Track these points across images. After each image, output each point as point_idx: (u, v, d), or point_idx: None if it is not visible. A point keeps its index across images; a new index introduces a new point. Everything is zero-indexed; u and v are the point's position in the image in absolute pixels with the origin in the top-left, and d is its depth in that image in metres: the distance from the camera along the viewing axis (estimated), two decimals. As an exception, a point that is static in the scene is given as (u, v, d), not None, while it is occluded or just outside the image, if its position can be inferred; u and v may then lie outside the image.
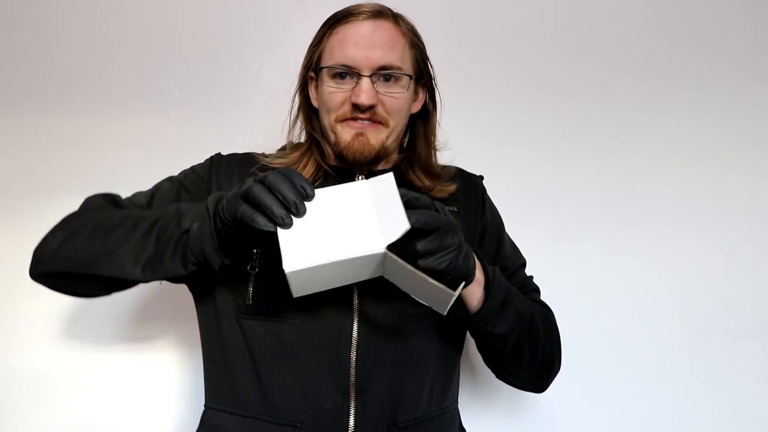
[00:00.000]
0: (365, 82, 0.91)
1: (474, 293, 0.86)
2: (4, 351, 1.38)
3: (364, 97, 0.91)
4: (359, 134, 0.94)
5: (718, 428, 1.45)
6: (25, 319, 1.38)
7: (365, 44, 0.91)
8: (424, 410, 0.94)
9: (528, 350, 0.92)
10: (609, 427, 1.45)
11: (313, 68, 0.98)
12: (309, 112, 1.02)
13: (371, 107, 0.92)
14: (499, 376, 1.01)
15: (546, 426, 1.45)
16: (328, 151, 1.01)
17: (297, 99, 1.03)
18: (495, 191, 1.09)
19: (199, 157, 1.05)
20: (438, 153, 1.07)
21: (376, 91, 0.92)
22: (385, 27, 0.93)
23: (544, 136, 1.47)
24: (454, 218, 0.89)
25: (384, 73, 0.92)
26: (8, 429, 1.36)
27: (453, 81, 1.45)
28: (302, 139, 1.05)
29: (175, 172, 1.04)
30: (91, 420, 1.37)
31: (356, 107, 0.92)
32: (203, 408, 0.97)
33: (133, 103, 1.42)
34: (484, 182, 1.11)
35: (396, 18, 0.95)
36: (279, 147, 1.08)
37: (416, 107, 1.01)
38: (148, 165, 1.41)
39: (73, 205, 1.39)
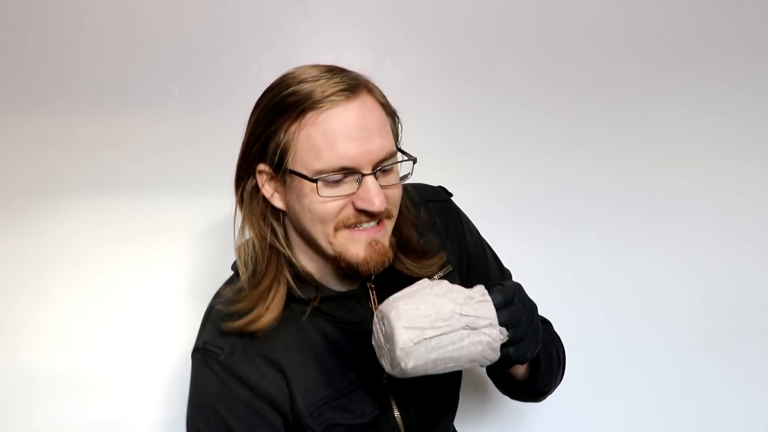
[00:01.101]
0: (371, 182, 0.73)
1: (520, 369, 0.87)
2: (4, 351, 1.37)
3: (379, 203, 0.72)
4: (372, 242, 0.77)
5: (719, 428, 1.45)
6: (26, 320, 1.38)
7: (360, 135, 0.72)
8: None
9: (552, 387, 0.95)
10: (608, 427, 1.45)
11: (270, 163, 0.76)
12: (268, 216, 0.80)
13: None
14: (505, 393, 1.04)
15: (546, 426, 1.46)
16: (307, 268, 0.82)
17: (237, 203, 0.81)
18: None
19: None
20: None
21: (381, 188, 0.74)
22: (369, 105, 0.74)
23: (545, 134, 1.47)
24: (446, 257, 0.89)
25: (384, 167, 0.75)
26: (8, 429, 1.36)
27: (453, 78, 1.46)
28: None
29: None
30: (92, 420, 1.37)
31: (365, 213, 0.75)
32: None
33: (133, 103, 1.42)
34: (454, 197, 1.00)
35: (366, 83, 0.76)
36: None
37: None
38: (148, 165, 1.42)
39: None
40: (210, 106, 1.42)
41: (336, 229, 0.76)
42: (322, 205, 0.74)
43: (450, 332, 0.66)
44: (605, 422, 1.45)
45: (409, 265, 0.84)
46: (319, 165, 0.72)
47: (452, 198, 0.98)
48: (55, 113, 1.42)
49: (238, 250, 0.82)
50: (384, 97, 0.79)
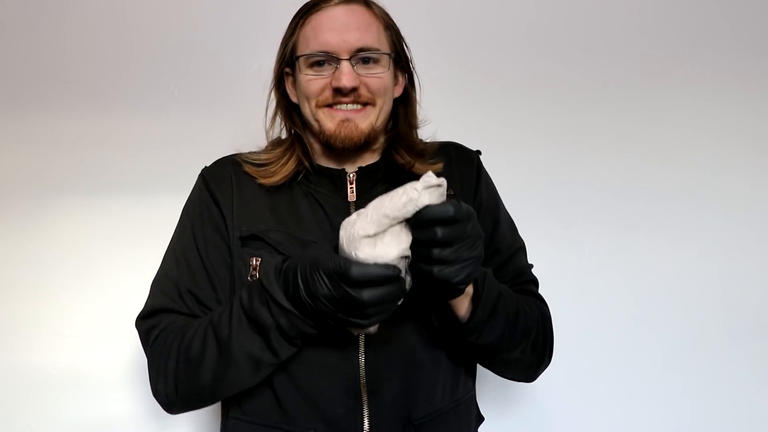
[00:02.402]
0: (345, 65, 0.88)
1: (462, 303, 0.83)
2: (5, 351, 1.37)
3: (346, 80, 0.87)
4: (345, 120, 0.90)
5: (719, 428, 1.45)
6: (26, 320, 1.38)
7: (340, 28, 0.88)
8: (438, 405, 0.93)
9: (517, 353, 0.91)
10: (609, 427, 1.44)
11: (288, 61, 0.95)
12: (288, 109, 0.98)
13: (354, 90, 0.89)
14: (492, 371, 0.99)
15: (546, 426, 1.45)
16: (314, 147, 0.98)
17: (273, 96, 0.99)
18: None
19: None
20: (430, 128, 1.05)
21: (357, 74, 0.89)
22: (357, 11, 0.90)
23: (543, 137, 1.47)
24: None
25: (363, 56, 0.89)
26: (8, 429, 1.36)
27: (450, 83, 1.46)
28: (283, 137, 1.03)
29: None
30: (90, 418, 1.37)
31: (338, 91, 0.89)
32: (221, 415, 0.98)
33: (133, 104, 1.42)
34: (482, 157, 1.07)
35: (367, 2, 0.93)
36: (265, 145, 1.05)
37: (398, 91, 0.98)
38: (148, 165, 1.42)
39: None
40: (209, 104, 1.42)
41: (317, 106, 0.92)
42: (306, 83, 0.91)
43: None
44: (606, 421, 1.45)
45: (404, 156, 0.98)
46: (306, 50, 0.91)
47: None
48: (55, 114, 1.42)
49: (270, 136, 1.01)
50: (385, 14, 0.95)
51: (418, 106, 1.00)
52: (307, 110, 0.93)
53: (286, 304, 0.77)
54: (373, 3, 0.94)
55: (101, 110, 1.42)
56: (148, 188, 1.40)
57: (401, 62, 0.97)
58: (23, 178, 1.41)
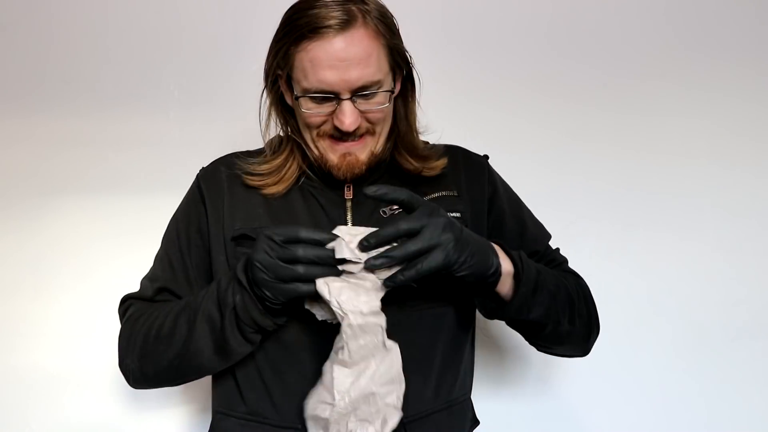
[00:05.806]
0: (346, 105, 0.86)
1: (504, 283, 0.86)
2: (5, 351, 1.38)
3: (348, 123, 0.86)
4: (346, 154, 0.91)
5: (718, 428, 1.45)
6: (26, 320, 1.38)
7: (340, 66, 0.84)
8: (430, 404, 0.93)
9: (566, 324, 0.93)
10: (609, 428, 1.45)
11: (281, 69, 0.90)
12: (283, 111, 0.97)
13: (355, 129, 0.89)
14: (541, 350, 1.03)
15: (546, 427, 1.45)
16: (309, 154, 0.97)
17: (267, 98, 0.96)
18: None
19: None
20: (427, 136, 1.05)
21: (359, 110, 0.88)
22: (356, 38, 0.84)
23: (543, 137, 1.47)
24: (454, 203, 0.95)
25: (364, 94, 0.87)
26: (8, 429, 1.37)
27: (451, 83, 1.46)
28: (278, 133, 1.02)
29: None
30: (90, 418, 1.37)
31: (339, 130, 0.89)
32: (211, 412, 0.99)
33: (133, 104, 1.43)
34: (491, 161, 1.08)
35: (364, 16, 0.86)
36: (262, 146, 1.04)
37: (396, 89, 0.95)
38: (148, 165, 1.42)
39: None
40: (210, 105, 1.42)
41: (318, 136, 0.91)
42: (307, 116, 0.89)
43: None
44: (605, 424, 1.45)
45: (411, 161, 0.97)
46: (305, 85, 0.87)
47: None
48: (55, 113, 1.42)
49: (266, 139, 0.99)
50: (385, 29, 0.88)
51: (417, 105, 0.99)
52: (306, 135, 0.93)
53: (242, 277, 0.80)
54: (369, 15, 0.87)
55: (101, 110, 1.42)
56: (148, 188, 1.40)
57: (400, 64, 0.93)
58: (23, 177, 1.41)
